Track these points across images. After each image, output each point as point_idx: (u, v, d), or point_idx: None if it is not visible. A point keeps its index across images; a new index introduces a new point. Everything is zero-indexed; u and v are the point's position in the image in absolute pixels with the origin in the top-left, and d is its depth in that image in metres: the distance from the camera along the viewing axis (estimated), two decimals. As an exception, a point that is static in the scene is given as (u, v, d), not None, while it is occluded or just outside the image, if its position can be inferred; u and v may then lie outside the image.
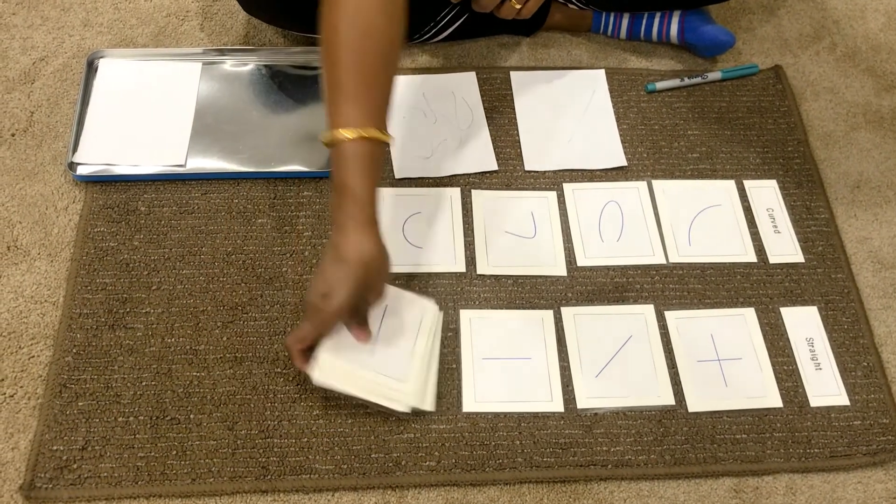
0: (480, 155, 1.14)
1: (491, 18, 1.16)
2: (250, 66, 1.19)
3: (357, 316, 0.91)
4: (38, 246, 1.03)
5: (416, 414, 0.93)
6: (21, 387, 0.94)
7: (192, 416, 0.92)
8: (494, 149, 1.15)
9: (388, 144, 0.86)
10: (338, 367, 0.90)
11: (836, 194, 1.16)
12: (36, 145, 1.11)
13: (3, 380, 0.94)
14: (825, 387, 0.99)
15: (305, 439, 0.92)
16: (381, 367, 0.92)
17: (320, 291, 0.85)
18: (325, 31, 0.85)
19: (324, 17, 0.85)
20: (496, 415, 0.95)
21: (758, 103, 1.23)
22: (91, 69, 1.17)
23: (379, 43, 0.86)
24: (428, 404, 0.93)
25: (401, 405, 0.90)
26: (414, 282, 1.03)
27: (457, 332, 1.00)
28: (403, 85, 1.20)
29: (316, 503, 0.89)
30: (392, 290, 0.95)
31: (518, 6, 1.10)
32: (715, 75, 1.24)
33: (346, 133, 0.83)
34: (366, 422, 0.93)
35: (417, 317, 0.96)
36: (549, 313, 1.02)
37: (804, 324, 1.04)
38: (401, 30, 0.88)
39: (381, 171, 0.88)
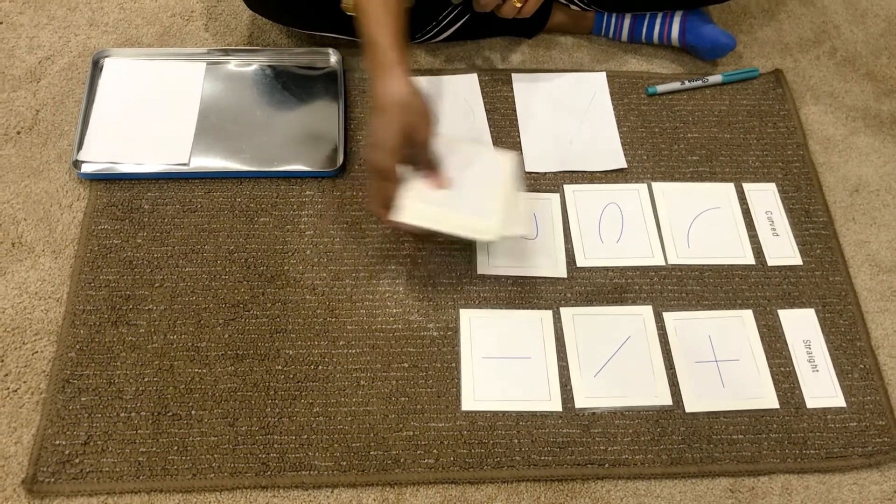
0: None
1: (492, 19, 1.17)
2: (254, 66, 1.20)
3: (419, 161, 0.94)
4: (42, 243, 1.04)
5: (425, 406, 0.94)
6: (24, 382, 0.95)
7: (193, 413, 0.93)
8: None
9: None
10: (419, 208, 0.93)
11: (835, 198, 1.17)
12: (41, 143, 1.12)
13: (6, 375, 0.95)
14: (822, 388, 1.00)
15: (305, 436, 0.93)
16: (464, 206, 0.95)
17: (371, 143, 0.90)
18: None
19: None
20: (495, 413, 0.95)
21: (758, 107, 1.24)
22: (96, 68, 1.18)
23: None
24: (520, 229, 0.95)
25: (489, 235, 0.94)
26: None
27: (456, 331, 1.01)
28: (406, 86, 1.21)
29: (315, 500, 0.90)
30: (468, 145, 1.00)
31: (519, 5, 1.11)
32: (715, 78, 1.25)
33: None
34: (365, 419, 0.94)
35: (493, 164, 0.99)
36: (549, 313, 1.03)
37: (802, 326, 1.04)
38: None
39: (400, 21, 0.91)
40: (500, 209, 0.96)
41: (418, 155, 0.93)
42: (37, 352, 0.97)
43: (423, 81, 1.21)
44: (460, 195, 0.96)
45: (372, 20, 0.89)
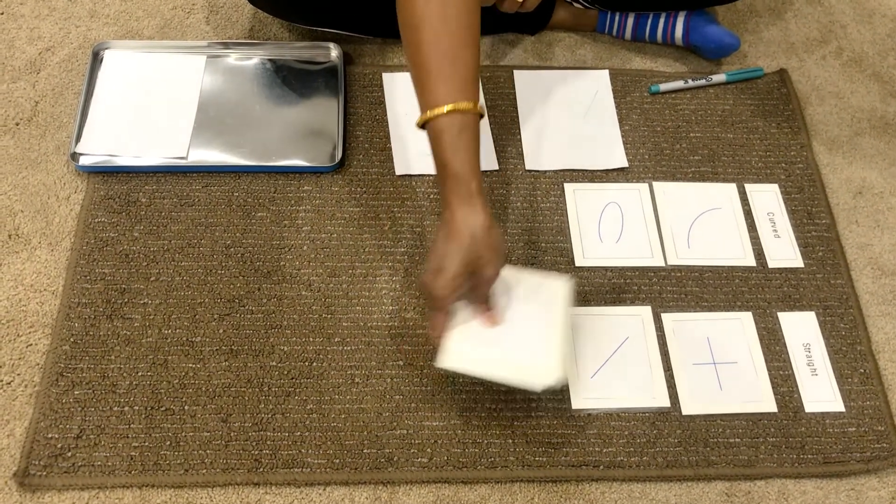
0: (482, 153, 1.14)
1: (495, 16, 1.16)
2: (254, 60, 1.20)
3: (477, 295, 0.89)
4: (38, 235, 1.04)
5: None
6: (18, 374, 0.94)
7: (186, 408, 0.93)
8: (496, 148, 1.15)
9: (481, 115, 0.86)
10: (465, 351, 0.88)
11: (838, 200, 1.16)
12: (40, 135, 1.12)
13: (0, 367, 0.95)
14: (821, 393, 0.99)
15: (298, 433, 0.92)
16: (511, 348, 0.88)
17: (432, 268, 0.85)
18: (404, 15, 0.87)
19: (400, 2, 0.87)
20: (489, 413, 0.95)
21: (762, 107, 1.23)
22: (96, 60, 1.17)
23: (458, 16, 0.86)
24: (560, 379, 0.87)
25: (535, 384, 0.87)
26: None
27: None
28: (405, 83, 1.20)
29: (307, 497, 0.90)
30: (518, 274, 0.93)
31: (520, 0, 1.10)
32: (719, 78, 1.24)
33: (438, 111, 0.84)
34: (359, 417, 0.94)
35: (547, 296, 0.93)
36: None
37: (802, 329, 1.03)
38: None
39: (478, 143, 0.86)
40: (556, 348, 0.89)
41: (479, 291, 0.88)
42: (31, 344, 0.96)
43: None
44: (508, 331, 0.89)
45: (451, 148, 0.84)
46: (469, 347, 0.88)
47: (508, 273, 0.91)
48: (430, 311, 0.89)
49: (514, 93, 1.21)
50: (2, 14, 1.24)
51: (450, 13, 0.86)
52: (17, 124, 1.13)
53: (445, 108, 0.84)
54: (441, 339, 0.88)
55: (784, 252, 1.09)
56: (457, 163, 0.84)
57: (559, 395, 0.96)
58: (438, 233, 0.86)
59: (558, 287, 0.93)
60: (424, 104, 0.86)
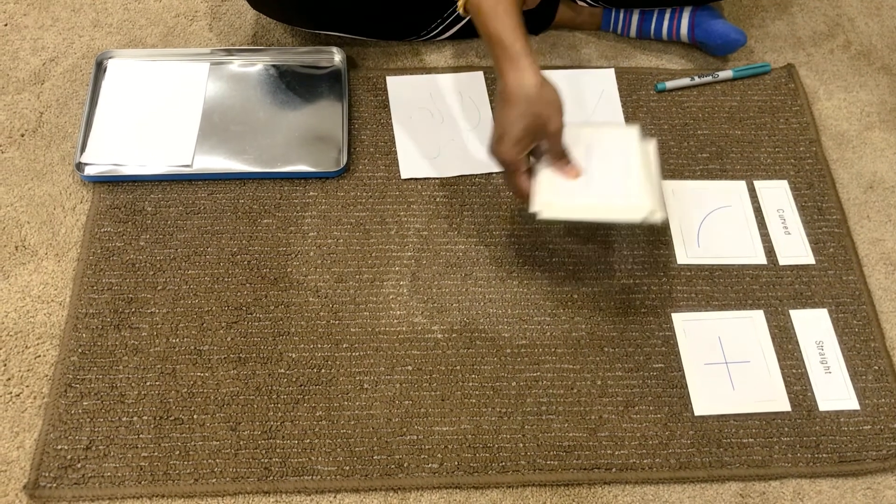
0: (487, 155, 1.13)
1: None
2: (258, 66, 1.19)
3: (553, 151, 0.93)
4: (45, 246, 1.04)
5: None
6: (27, 386, 0.94)
7: (195, 417, 0.93)
8: (501, 149, 1.14)
9: None
10: (560, 203, 0.93)
11: (849, 195, 1.14)
12: (45, 146, 1.12)
13: (9, 379, 0.95)
14: (835, 391, 0.98)
15: (308, 440, 0.92)
16: (599, 191, 0.94)
17: (496, 136, 0.91)
18: None
19: None
20: (500, 416, 0.94)
21: (769, 102, 1.22)
22: (100, 69, 1.17)
23: None
24: (659, 216, 0.92)
25: (639, 213, 0.92)
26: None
27: (461, 333, 0.99)
28: (410, 85, 1.20)
29: (318, 504, 0.89)
30: (589, 129, 0.99)
31: None
32: (726, 74, 1.23)
33: None
34: (368, 423, 0.93)
35: (621, 143, 0.98)
36: (555, 315, 1.01)
37: (814, 327, 1.02)
38: None
39: (517, 9, 0.91)
40: (639, 185, 0.93)
41: (552, 146, 0.93)
42: (39, 356, 0.96)
43: (428, 80, 1.20)
44: (595, 180, 0.95)
45: (491, 17, 0.89)
46: (561, 197, 0.93)
47: (577, 128, 0.97)
48: (507, 175, 0.94)
49: (519, 93, 1.20)
50: (5, 25, 1.24)
51: None
52: (23, 135, 1.13)
53: None
54: (529, 197, 0.93)
55: (795, 249, 1.08)
56: (499, 29, 0.89)
57: (569, 397, 0.95)
58: (496, 101, 0.91)
59: (628, 133, 0.98)
60: None
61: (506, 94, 0.89)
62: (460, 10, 0.93)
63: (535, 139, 0.91)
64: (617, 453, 0.93)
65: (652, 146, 1.00)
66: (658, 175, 0.98)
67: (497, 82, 0.91)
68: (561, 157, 0.94)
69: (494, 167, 1.12)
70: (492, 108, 0.94)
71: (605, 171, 0.95)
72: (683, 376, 0.98)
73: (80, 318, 0.98)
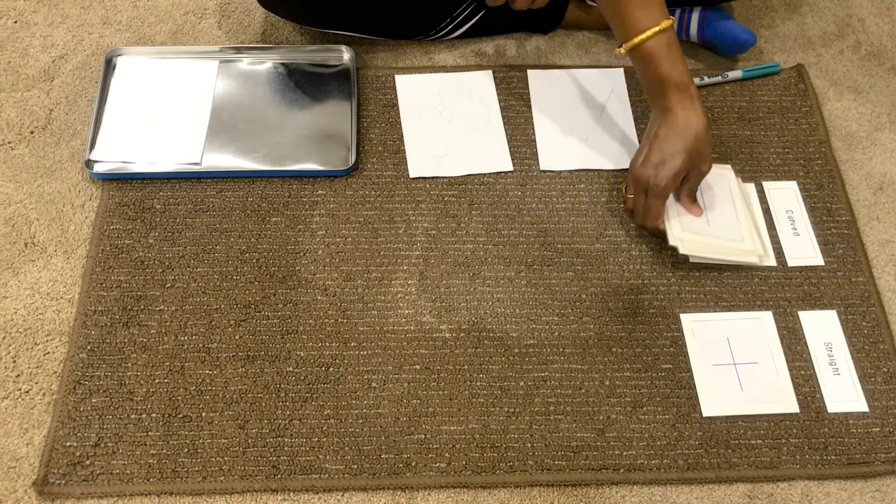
0: (496, 154, 1.14)
1: (508, 16, 1.15)
2: (267, 65, 1.20)
3: (689, 189, 1.02)
4: (54, 243, 1.04)
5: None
6: (36, 383, 0.95)
7: (203, 414, 0.93)
8: (510, 148, 1.14)
9: (675, 24, 1.01)
10: (691, 239, 1.01)
11: (858, 196, 1.14)
12: (54, 143, 1.12)
13: (18, 375, 0.95)
14: (843, 392, 0.98)
15: (316, 439, 0.92)
16: (719, 233, 1.03)
17: (654, 162, 0.98)
18: None
19: None
20: (508, 416, 0.94)
21: (779, 103, 1.21)
22: (109, 67, 1.17)
23: None
24: (770, 259, 1.05)
25: (750, 259, 1.03)
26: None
27: (469, 332, 0.99)
28: (419, 83, 1.20)
29: (326, 503, 0.89)
30: None
31: None
32: (735, 74, 1.23)
33: (646, 34, 0.96)
34: (376, 422, 0.93)
35: (725, 185, 1.08)
36: (563, 315, 1.01)
37: (823, 328, 1.02)
38: None
39: (681, 51, 0.99)
40: (749, 228, 1.05)
41: (691, 184, 1.02)
42: (48, 352, 0.96)
43: (437, 78, 1.20)
44: (712, 220, 1.04)
45: (664, 59, 0.97)
46: (691, 234, 1.02)
47: None
48: (650, 199, 1.00)
49: (528, 92, 1.20)
50: (15, 22, 1.24)
51: None
52: (32, 132, 1.13)
53: (652, 31, 0.96)
54: (659, 223, 1.01)
55: (804, 250, 1.08)
56: (676, 73, 0.97)
57: (577, 397, 0.95)
58: (659, 130, 0.99)
59: (728, 175, 1.09)
60: (628, 32, 0.98)
61: (676, 127, 0.97)
62: (621, 52, 0.99)
63: (687, 173, 1.00)
64: (625, 454, 0.93)
65: (751, 188, 1.10)
66: (761, 217, 1.08)
67: (661, 115, 0.99)
68: (694, 196, 1.04)
69: (502, 166, 1.12)
70: (649, 136, 1.01)
71: (717, 212, 1.05)
72: (692, 377, 0.97)
73: (88, 315, 0.98)
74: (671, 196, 1.02)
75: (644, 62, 0.98)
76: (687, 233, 1.01)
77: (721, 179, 1.08)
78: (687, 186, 1.02)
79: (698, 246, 1.01)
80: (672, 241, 1.01)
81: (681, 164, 0.97)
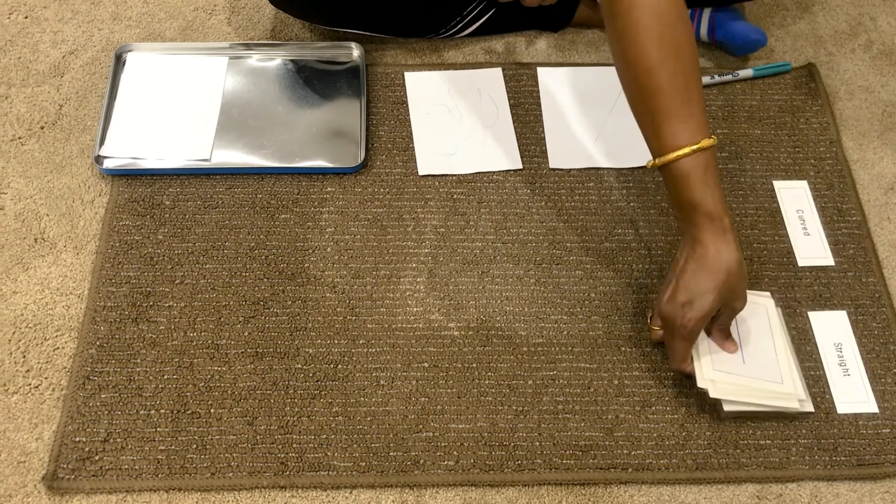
0: (505, 152, 1.13)
1: (518, 14, 1.15)
2: (277, 61, 1.20)
3: (721, 325, 0.92)
4: (64, 238, 1.04)
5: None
6: (46, 378, 0.95)
7: (212, 411, 0.93)
8: (519, 146, 1.14)
9: (717, 147, 0.87)
10: (723, 380, 0.91)
11: (869, 196, 1.13)
12: (64, 138, 1.12)
13: (28, 371, 0.95)
14: (853, 393, 0.97)
15: (324, 436, 0.92)
16: (755, 373, 0.92)
17: (681, 301, 0.88)
18: (636, 62, 0.86)
19: (626, 43, 0.86)
20: (516, 415, 0.94)
21: (790, 102, 1.21)
22: (119, 63, 1.17)
23: (689, 53, 0.86)
24: (809, 405, 0.94)
25: (788, 403, 0.92)
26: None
27: (477, 330, 0.99)
28: (428, 81, 1.19)
29: (334, 500, 0.89)
30: None
31: None
32: (746, 73, 1.22)
33: (682, 152, 0.85)
34: (385, 420, 0.93)
35: (762, 315, 0.97)
36: (572, 314, 1.01)
37: (833, 328, 1.01)
38: (689, 23, 0.88)
39: (719, 176, 0.88)
40: (789, 369, 0.93)
41: (724, 321, 0.92)
42: (58, 348, 0.97)
43: (446, 76, 1.20)
44: (748, 358, 0.94)
45: (699, 185, 0.86)
46: (723, 375, 0.92)
47: None
48: (676, 340, 0.90)
49: (538, 90, 1.19)
50: (25, 18, 1.24)
51: (685, 51, 0.86)
52: (42, 128, 1.13)
53: (690, 149, 0.85)
54: (685, 369, 0.92)
55: (814, 250, 1.07)
56: (708, 201, 0.86)
57: (586, 396, 0.95)
58: (687, 265, 0.88)
59: (767, 304, 0.97)
60: (663, 146, 0.86)
61: (706, 262, 0.87)
62: (650, 166, 0.89)
63: (718, 311, 0.90)
64: (633, 453, 0.92)
65: (779, 311, 0.99)
66: (792, 351, 0.96)
67: (689, 246, 0.88)
68: (728, 332, 0.94)
69: (512, 164, 1.12)
70: (676, 269, 0.90)
71: (753, 347, 0.94)
72: (701, 377, 0.97)
73: (98, 310, 0.99)
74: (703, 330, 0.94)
75: (676, 182, 0.87)
76: (719, 372, 0.92)
77: (758, 309, 0.97)
78: (718, 323, 0.92)
79: (732, 388, 0.91)
80: (701, 384, 0.91)
81: (710, 304, 0.87)
